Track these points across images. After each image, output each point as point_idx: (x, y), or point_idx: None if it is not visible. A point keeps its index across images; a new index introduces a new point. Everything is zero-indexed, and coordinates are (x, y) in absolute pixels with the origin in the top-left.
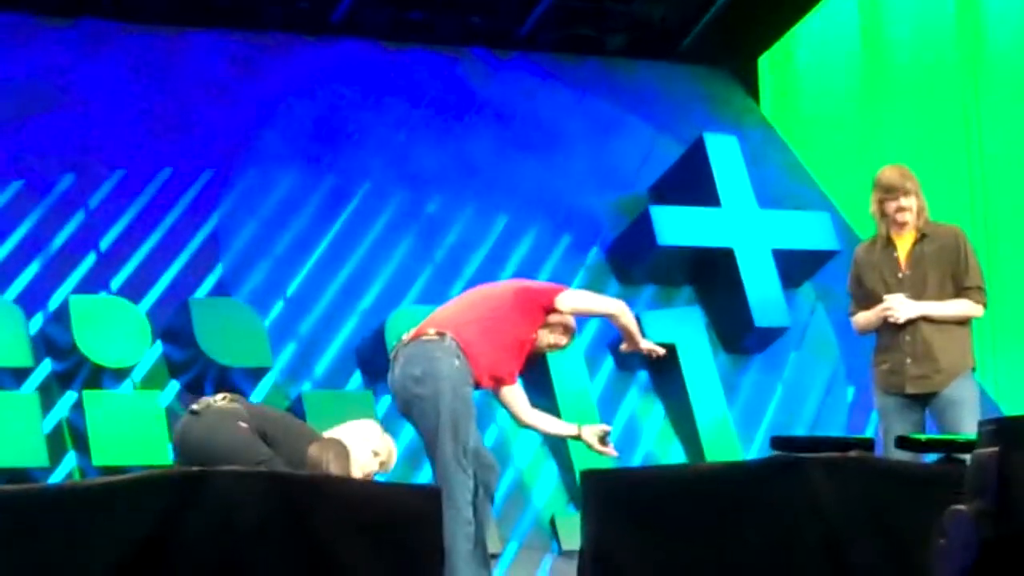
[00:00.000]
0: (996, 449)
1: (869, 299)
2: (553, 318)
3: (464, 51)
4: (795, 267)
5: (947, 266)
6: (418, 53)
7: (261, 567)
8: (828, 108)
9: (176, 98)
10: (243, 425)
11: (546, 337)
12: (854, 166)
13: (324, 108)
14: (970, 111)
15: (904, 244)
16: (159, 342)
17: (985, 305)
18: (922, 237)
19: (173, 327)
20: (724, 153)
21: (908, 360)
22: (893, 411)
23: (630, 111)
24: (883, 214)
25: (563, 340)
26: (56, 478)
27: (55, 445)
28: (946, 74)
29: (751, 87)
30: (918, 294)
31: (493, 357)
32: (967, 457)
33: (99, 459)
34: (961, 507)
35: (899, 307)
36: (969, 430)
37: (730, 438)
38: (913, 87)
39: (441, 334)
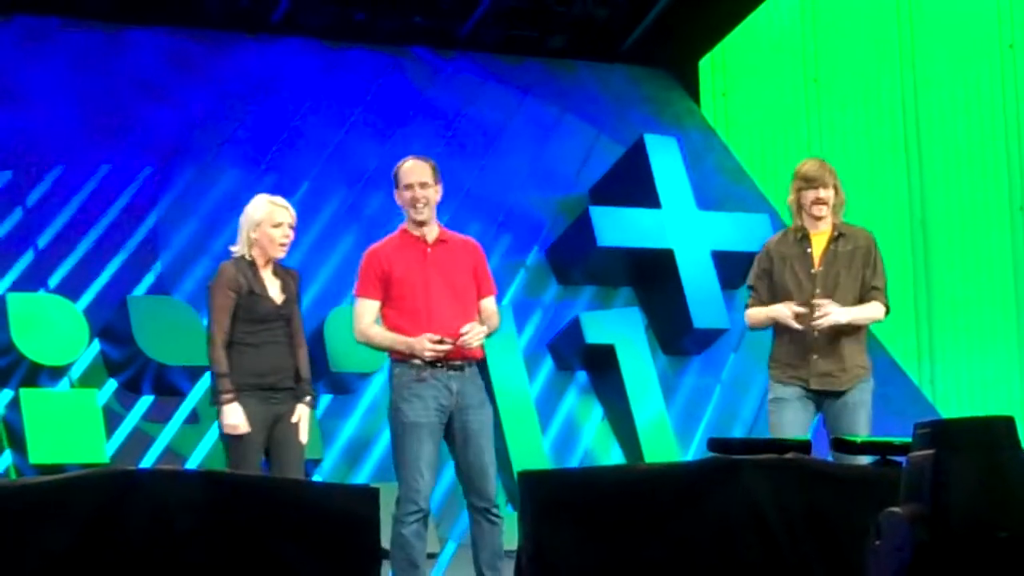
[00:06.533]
0: (931, 452)
1: (775, 293)
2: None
3: (406, 51)
4: (734, 269)
5: (859, 268)
6: (360, 53)
7: (196, 568)
8: (768, 110)
9: (115, 96)
10: None
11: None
12: (793, 168)
13: (265, 107)
14: (909, 113)
15: (819, 241)
16: (97, 340)
17: (888, 308)
18: (838, 236)
19: (111, 325)
20: (664, 154)
21: (815, 356)
22: (793, 400)
23: (570, 112)
24: (799, 205)
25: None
26: None
27: None
28: (886, 76)
29: (691, 89)
30: (829, 292)
31: None
32: (903, 460)
33: (36, 457)
34: (896, 509)
35: (828, 313)
36: (863, 434)
37: (668, 439)
38: (853, 90)
39: None
